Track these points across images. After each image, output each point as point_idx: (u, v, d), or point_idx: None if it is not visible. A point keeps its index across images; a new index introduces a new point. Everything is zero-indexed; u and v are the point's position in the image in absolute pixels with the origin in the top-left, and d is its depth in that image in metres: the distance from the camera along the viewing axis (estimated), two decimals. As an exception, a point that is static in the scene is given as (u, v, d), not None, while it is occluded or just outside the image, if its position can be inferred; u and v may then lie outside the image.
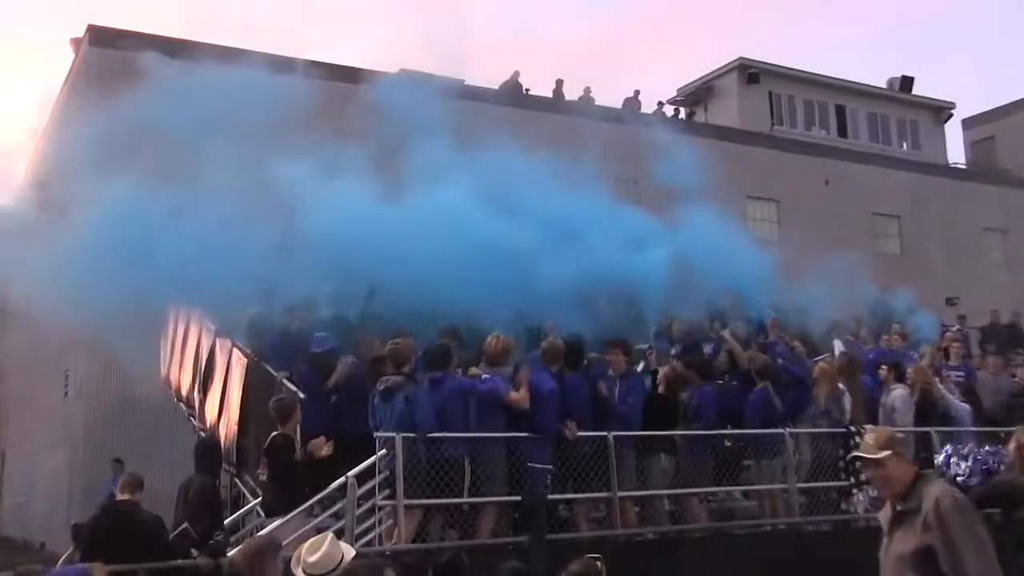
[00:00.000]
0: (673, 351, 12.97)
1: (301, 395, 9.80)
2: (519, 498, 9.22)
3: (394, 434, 8.82)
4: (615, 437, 9.79)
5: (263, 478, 9.34)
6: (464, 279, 10.99)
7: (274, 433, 8.82)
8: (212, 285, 11.33)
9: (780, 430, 10.82)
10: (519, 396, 9.37)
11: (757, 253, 14.02)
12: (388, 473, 8.80)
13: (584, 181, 13.19)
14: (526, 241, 11.65)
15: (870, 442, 4.80)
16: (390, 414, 8.98)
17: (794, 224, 29.41)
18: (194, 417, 13.35)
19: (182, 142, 11.68)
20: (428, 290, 10.96)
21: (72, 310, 11.40)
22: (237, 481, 11.62)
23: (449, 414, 9.24)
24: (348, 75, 19.42)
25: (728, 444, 10.75)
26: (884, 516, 4.84)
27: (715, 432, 10.66)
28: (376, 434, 8.94)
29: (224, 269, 11.02)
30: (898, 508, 4.79)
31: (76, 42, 23.75)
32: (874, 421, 11.34)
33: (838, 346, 13.61)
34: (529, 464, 9.30)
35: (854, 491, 10.69)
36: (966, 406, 12.27)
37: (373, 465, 8.84)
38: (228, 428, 11.62)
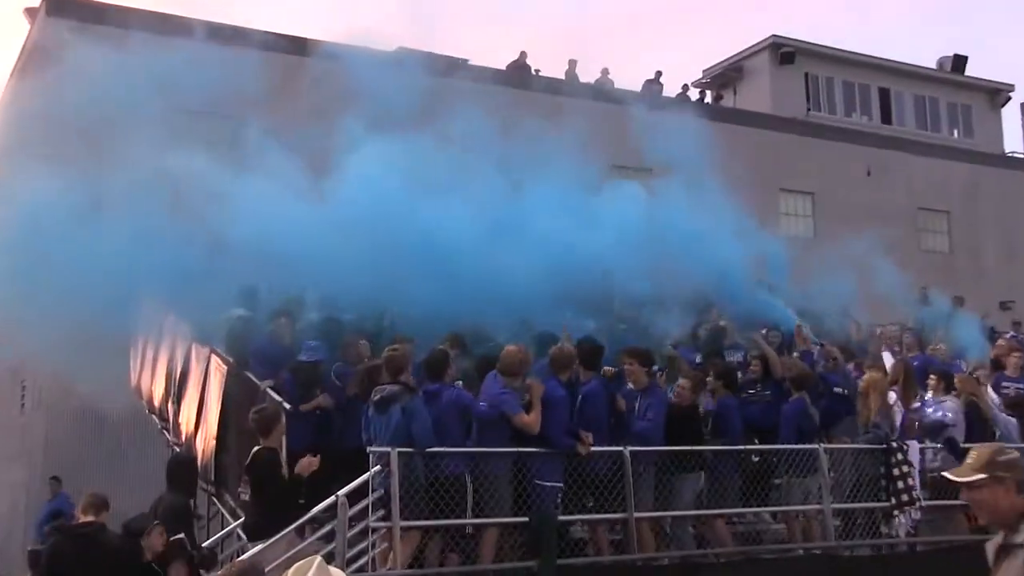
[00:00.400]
0: (698, 359, 13.14)
1: (286, 405, 9.89)
2: (526, 519, 9.33)
3: (389, 449, 8.93)
4: (632, 453, 9.92)
5: (244, 497, 9.44)
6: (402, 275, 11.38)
7: (257, 447, 8.91)
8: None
9: (813, 445, 10.96)
10: (530, 420, 9.45)
11: (732, 240, 14.02)
12: (383, 492, 8.91)
13: (568, 166, 13.43)
14: (475, 233, 11.97)
15: (969, 461, 4.74)
16: (385, 427, 9.09)
17: (831, 219, 29.50)
18: (167, 430, 13.52)
19: (108, 128, 12.10)
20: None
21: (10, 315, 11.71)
22: (215, 500, 11.75)
23: (447, 428, 9.37)
24: (299, 47, 19.18)
25: (756, 459, 10.85)
26: (992, 545, 4.75)
27: (742, 448, 10.78)
28: (370, 449, 9.04)
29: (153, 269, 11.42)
30: (1005, 540, 4.67)
31: (31, 13, 23.76)
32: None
33: (887, 357, 13.73)
34: (537, 482, 9.41)
35: (896, 513, 10.77)
36: (1013, 420, 12.35)
37: (366, 483, 8.96)
38: (205, 442, 11.75)
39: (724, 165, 25.74)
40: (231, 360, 11.60)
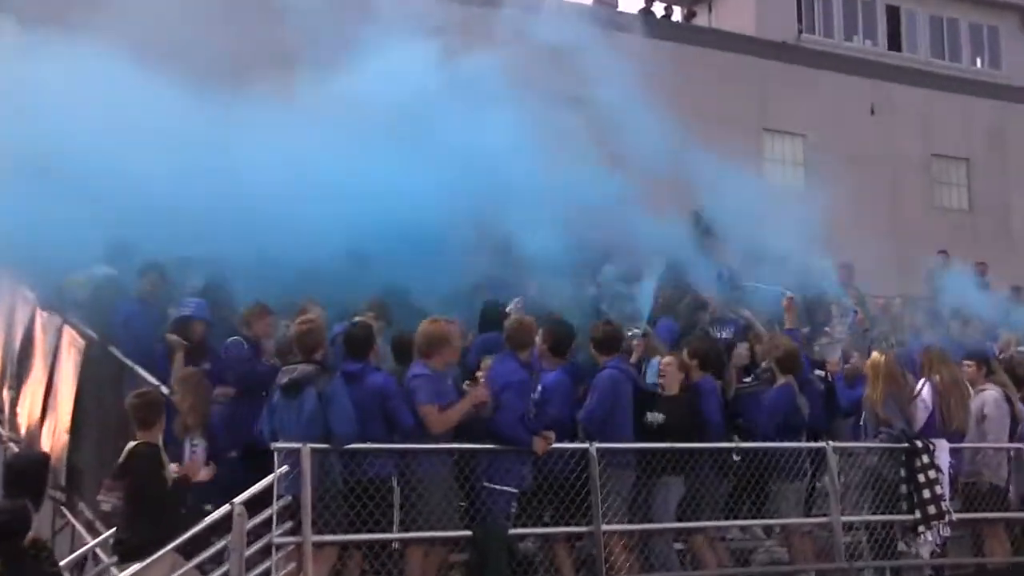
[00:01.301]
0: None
1: (164, 389, 9.87)
2: (469, 532, 9.45)
3: (299, 444, 8.89)
4: (600, 451, 10.01)
5: (106, 507, 9.42)
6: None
7: (133, 443, 8.79)
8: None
9: (820, 444, 11.16)
10: (435, 417, 9.51)
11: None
12: (290, 499, 8.88)
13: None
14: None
15: None
16: (296, 417, 9.05)
17: (826, 168, 29.75)
18: (0, 423, 13.32)
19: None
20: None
21: None
22: (66, 511, 11.60)
23: (369, 419, 9.38)
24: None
25: (737, 459, 11.01)
26: None
27: (721, 445, 10.91)
28: (275, 445, 8.98)
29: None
30: None
31: None
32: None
33: None
34: (486, 485, 9.52)
35: (921, 528, 10.97)
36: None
37: (269, 487, 8.90)
38: (54, 437, 11.63)
39: (694, 99, 26.08)
40: (91, 333, 11.51)
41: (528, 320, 10.40)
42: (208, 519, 8.86)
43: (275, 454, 8.95)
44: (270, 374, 9.96)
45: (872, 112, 31.70)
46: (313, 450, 8.92)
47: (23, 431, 12.41)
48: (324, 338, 9.54)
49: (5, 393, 13.13)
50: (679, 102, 25.58)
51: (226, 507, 8.73)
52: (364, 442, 9.24)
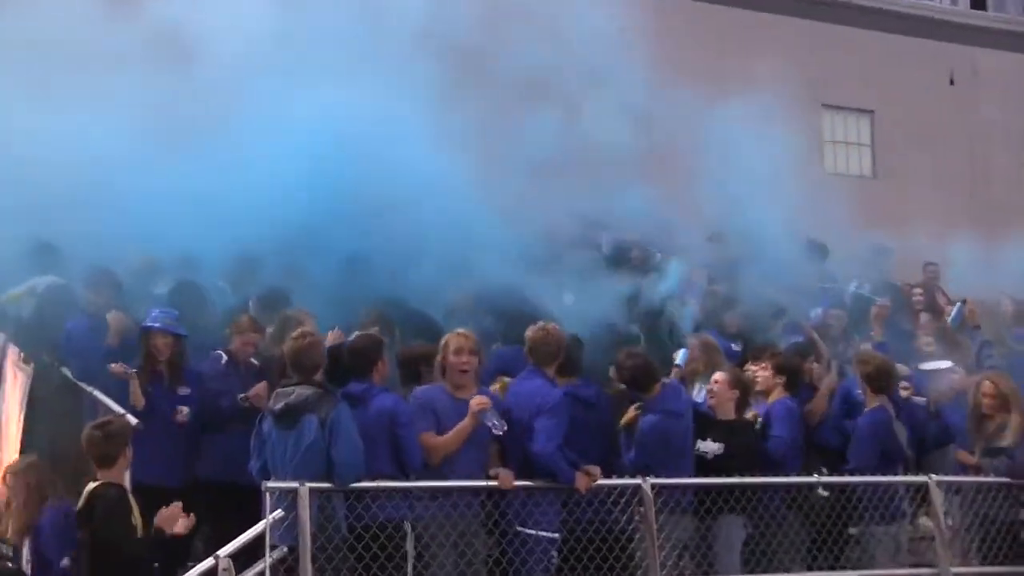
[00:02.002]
0: (733, 346, 13.47)
1: (133, 420, 9.68)
2: None
3: (296, 484, 8.76)
4: (656, 487, 9.91)
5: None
6: None
7: (93, 484, 8.60)
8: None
9: (921, 477, 11.07)
10: (431, 441, 9.48)
11: None
12: (285, 550, 8.77)
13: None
14: None
15: None
16: (292, 450, 8.95)
17: (899, 150, 29.64)
18: None
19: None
20: None
21: None
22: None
23: (375, 451, 9.28)
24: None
25: (824, 494, 10.91)
26: None
27: (801, 480, 10.84)
28: (267, 484, 8.80)
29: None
30: None
31: None
32: None
33: None
34: (520, 530, 9.44)
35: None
36: None
37: (261, 535, 8.74)
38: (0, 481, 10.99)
39: (738, 69, 25.96)
40: (41, 355, 11.47)
41: (556, 328, 10.23)
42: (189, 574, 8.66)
43: (267, 495, 8.76)
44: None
45: (951, 83, 31.40)
46: (312, 490, 8.78)
47: None
48: (324, 355, 9.44)
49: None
50: (716, 72, 25.73)
51: (208, 561, 8.58)
52: (372, 479, 9.12)
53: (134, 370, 10.70)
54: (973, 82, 31.62)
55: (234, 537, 9.23)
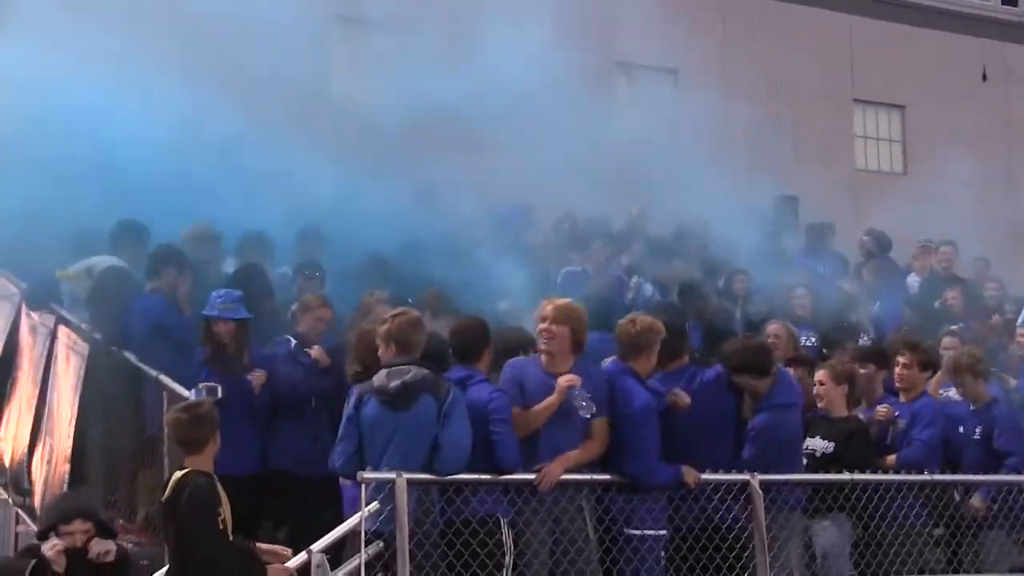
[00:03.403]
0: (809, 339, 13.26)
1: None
2: None
3: (392, 475, 8.30)
4: (765, 485, 9.46)
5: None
6: None
7: (180, 472, 8.07)
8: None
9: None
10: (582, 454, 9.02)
11: None
12: (381, 545, 8.32)
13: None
14: None
15: None
16: (401, 432, 8.52)
17: (930, 147, 29.20)
18: None
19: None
20: None
21: None
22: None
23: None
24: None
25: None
26: None
27: (930, 478, 10.37)
28: (363, 475, 8.31)
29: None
30: None
31: None
32: None
33: None
34: (628, 531, 9.06)
35: None
36: None
37: (353, 533, 8.39)
38: (50, 468, 11.30)
39: (770, 65, 25.67)
40: (95, 335, 11.19)
41: (650, 322, 9.63)
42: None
43: (362, 487, 8.31)
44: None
45: (984, 78, 30.91)
46: (410, 482, 8.33)
47: (7, 460, 12.08)
48: (425, 334, 9.01)
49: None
50: (752, 69, 25.36)
51: (301, 556, 8.23)
52: (469, 470, 8.66)
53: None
54: (1006, 78, 31.20)
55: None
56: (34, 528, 11.30)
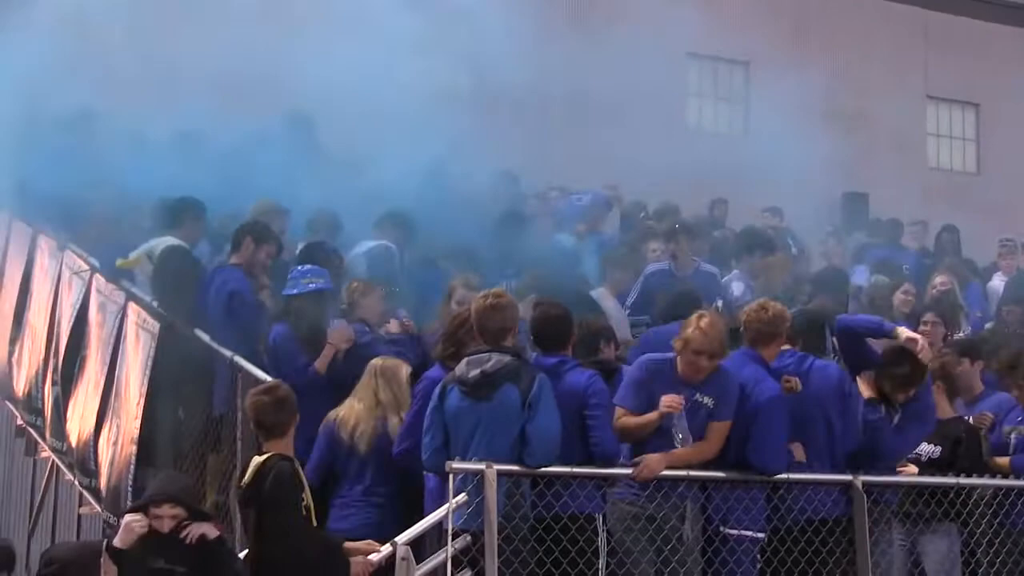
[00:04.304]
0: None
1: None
2: None
3: (482, 466, 8.03)
4: (868, 487, 9.10)
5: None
6: None
7: (261, 456, 7.88)
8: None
9: None
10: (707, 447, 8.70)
11: None
12: (469, 539, 8.08)
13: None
14: None
15: None
16: (485, 424, 8.23)
17: (1006, 144, 28.72)
18: (41, 433, 13.05)
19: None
20: None
21: None
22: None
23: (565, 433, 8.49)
24: None
25: None
26: None
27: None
28: (453, 465, 8.06)
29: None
30: None
31: None
32: None
33: None
34: (724, 531, 8.73)
35: None
36: None
37: (438, 527, 8.22)
38: (117, 449, 11.11)
39: (840, 60, 25.32)
40: (165, 314, 11.03)
41: (785, 309, 9.38)
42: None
43: (450, 477, 8.06)
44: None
45: (1057, 75, 30.29)
46: (500, 474, 8.04)
47: (73, 441, 11.92)
48: (517, 319, 8.68)
49: (47, 390, 12.65)
50: (826, 63, 24.95)
51: (386, 548, 7.99)
52: (562, 464, 8.35)
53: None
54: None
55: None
56: (98, 510, 11.32)
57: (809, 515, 8.93)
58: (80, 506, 12.36)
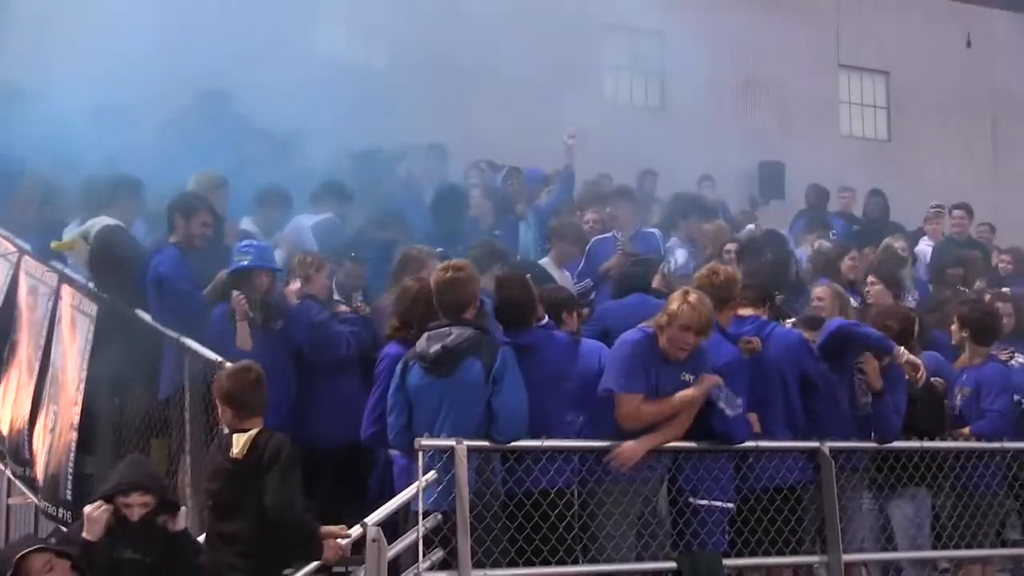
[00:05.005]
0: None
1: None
2: (672, 564, 8.69)
3: (451, 442, 7.93)
4: (834, 451, 9.18)
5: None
6: None
7: (254, 430, 7.71)
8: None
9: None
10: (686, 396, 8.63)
11: None
12: (439, 518, 7.97)
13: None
14: None
15: None
16: (448, 400, 8.13)
17: (915, 113, 29.02)
18: None
19: None
20: None
21: None
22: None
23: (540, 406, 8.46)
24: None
25: None
26: None
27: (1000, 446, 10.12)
28: (422, 442, 7.94)
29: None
30: None
31: None
32: None
33: None
34: (693, 501, 8.73)
35: None
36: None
37: (406, 508, 8.11)
38: (54, 437, 10.86)
39: (756, 31, 25.38)
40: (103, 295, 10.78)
41: (735, 272, 9.55)
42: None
43: (419, 455, 7.94)
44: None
45: (968, 44, 30.54)
46: (471, 449, 7.97)
47: (4, 429, 11.62)
48: (477, 291, 8.53)
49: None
50: (742, 36, 25.01)
51: (356, 529, 7.83)
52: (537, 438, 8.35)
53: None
54: (990, 45, 31.00)
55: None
56: (33, 501, 11.02)
57: (778, 483, 9.00)
58: (8, 496, 12.13)
